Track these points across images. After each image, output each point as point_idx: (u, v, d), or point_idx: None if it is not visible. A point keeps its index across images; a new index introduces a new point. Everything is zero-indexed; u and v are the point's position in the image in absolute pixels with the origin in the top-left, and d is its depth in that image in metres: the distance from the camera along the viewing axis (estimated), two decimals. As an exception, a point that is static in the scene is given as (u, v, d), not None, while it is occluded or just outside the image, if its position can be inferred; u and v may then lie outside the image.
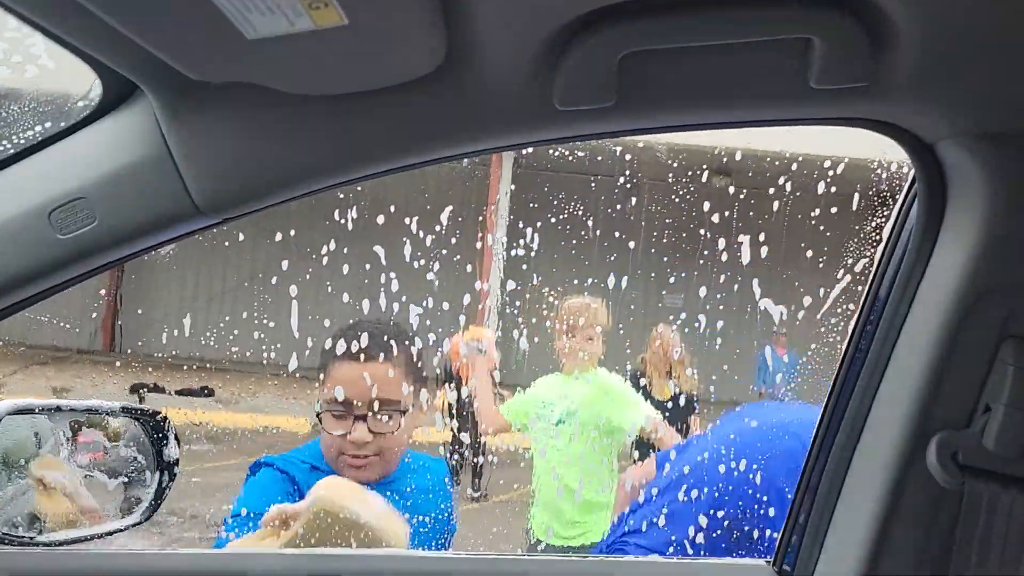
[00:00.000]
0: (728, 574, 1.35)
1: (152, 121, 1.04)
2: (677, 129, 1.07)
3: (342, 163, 1.08)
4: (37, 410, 1.49)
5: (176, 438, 1.60)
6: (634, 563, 1.38)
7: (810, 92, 0.96)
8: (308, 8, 0.79)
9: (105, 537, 1.52)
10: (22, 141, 1.16)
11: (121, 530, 1.54)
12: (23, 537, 1.40)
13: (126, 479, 1.65)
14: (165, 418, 1.61)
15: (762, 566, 1.38)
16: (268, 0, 0.78)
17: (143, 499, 1.60)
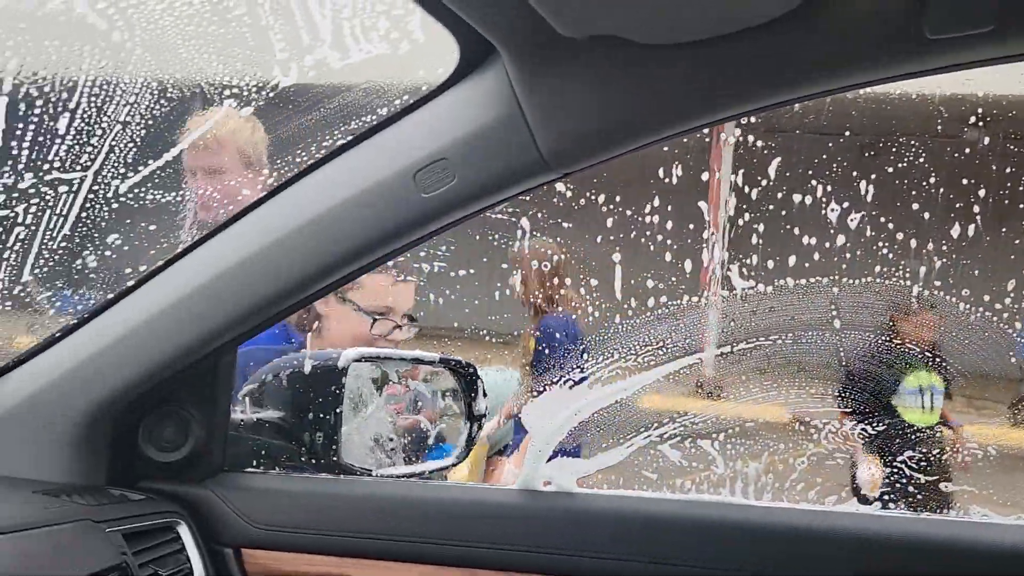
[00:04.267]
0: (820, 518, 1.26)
1: (505, 82, 1.11)
2: None
3: (684, 112, 1.09)
4: (373, 358, 1.68)
5: (484, 392, 1.72)
6: (717, 504, 1.30)
7: None
8: None
9: (428, 474, 1.68)
10: (387, 110, 1.29)
11: (441, 469, 1.69)
12: (363, 469, 1.57)
13: (443, 425, 1.83)
14: (476, 372, 1.72)
15: None
16: None
17: (457, 445, 1.76)
